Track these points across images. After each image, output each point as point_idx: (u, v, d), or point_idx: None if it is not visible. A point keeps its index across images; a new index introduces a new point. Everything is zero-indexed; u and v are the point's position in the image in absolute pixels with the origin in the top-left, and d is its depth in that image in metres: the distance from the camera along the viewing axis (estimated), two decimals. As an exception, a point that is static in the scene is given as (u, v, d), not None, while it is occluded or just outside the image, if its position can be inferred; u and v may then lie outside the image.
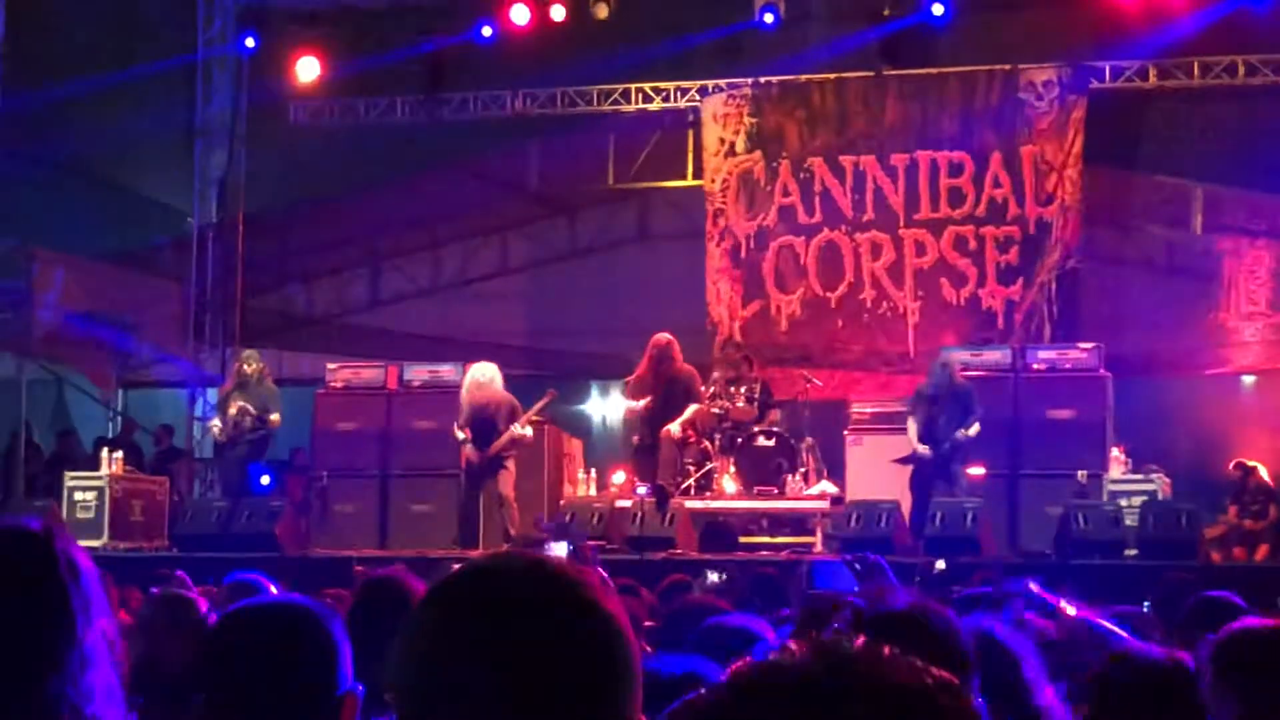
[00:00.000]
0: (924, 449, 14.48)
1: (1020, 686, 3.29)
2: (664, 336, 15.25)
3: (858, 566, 7.34)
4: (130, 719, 2.38)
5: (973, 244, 18.38)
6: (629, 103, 19.69)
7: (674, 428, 14.95)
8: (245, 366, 16.09)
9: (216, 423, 16.30)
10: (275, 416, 15.89)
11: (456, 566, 1.79)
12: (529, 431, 14.85)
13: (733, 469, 15.37)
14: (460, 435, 14.80)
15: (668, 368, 15.09)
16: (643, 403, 15.11)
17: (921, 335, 18.34)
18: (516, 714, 1.68)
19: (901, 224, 18.60)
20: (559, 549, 6.39)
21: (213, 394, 17.52)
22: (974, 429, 14.41)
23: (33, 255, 18.07)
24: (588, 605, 1.72)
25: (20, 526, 2.35)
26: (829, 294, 18.75)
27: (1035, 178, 18.23)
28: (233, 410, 15.85)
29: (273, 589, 6.27)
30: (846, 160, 18.82)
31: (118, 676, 2.30)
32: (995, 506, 14.57)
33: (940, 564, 12.16)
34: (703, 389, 15.41)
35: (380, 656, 1.78)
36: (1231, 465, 16.23)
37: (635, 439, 15.51)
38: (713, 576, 11.10)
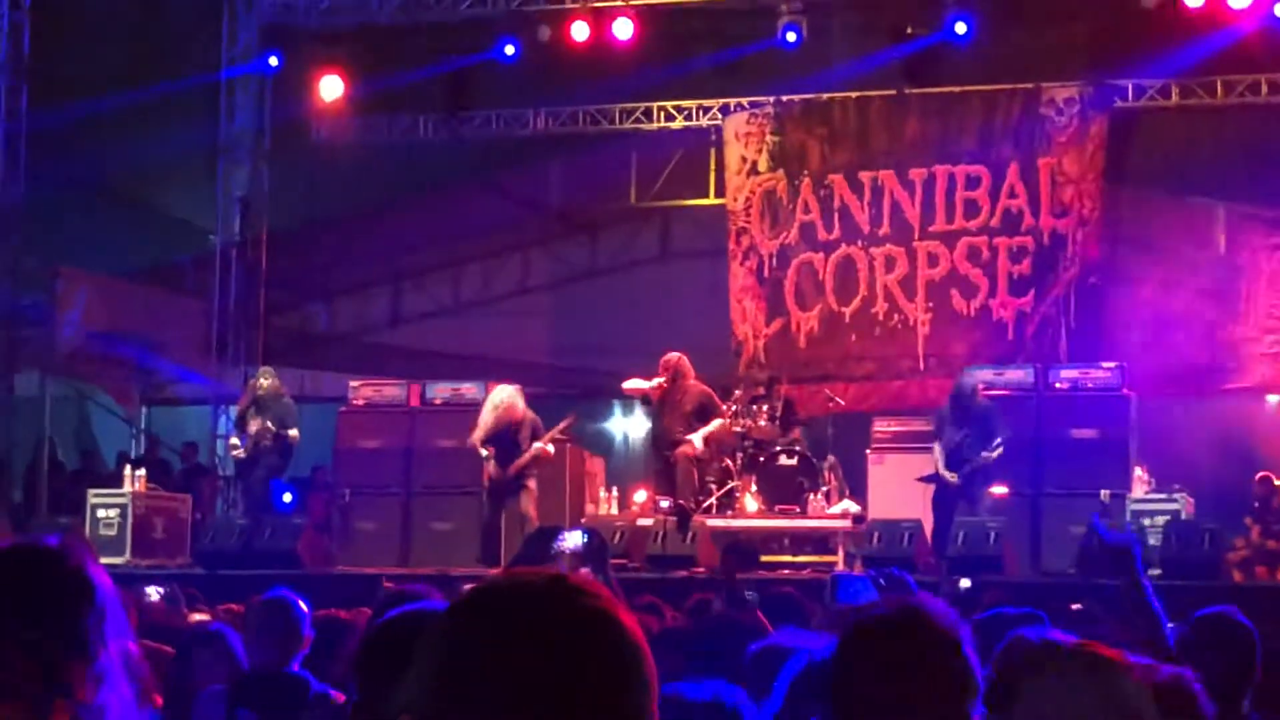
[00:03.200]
0: (952, 476, 14.39)
1: None
2: (674, 355, 15.16)
3: (882, 581, 7.36)
4: None
5: (985, 254, 18.34)
6: (651, 121, 19.71)
7: (696, 440, 14.88)
8: (260, 383, 16.10)
9: (236, 441, 16.31)
10: (294, 432, 15.89)
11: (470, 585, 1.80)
12: (550, 448, 14.85)
13: (754, 488, 15.34)
14: (483, 452, 14.78)
15: (680, 384, 15.03)
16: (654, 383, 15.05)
17: (931, 346, 18.30)
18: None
19: (916, 236, 18.57)
20: (574, 538, 6.40)
21: (235, 412, 17.55)
22: (997, 451, 14.34)
23: (56, 273, 18.15)
24: (604, 619, 1.73)
25: (36, 545, 2.34)
26: (843, 309, 18.73)
27: (1051, 189, 18.18)
28: (252, 428, 15.86)
29: (301, 604, 6.28)
30: (865, 176, 18.81)
31: (135, 694, 2.29)
32: (1018, 526, 14.52)
33: (965, 582, 12.13)
34: (724, 406, 15.38)
35: (399, 674, 1.78)
36: (1258, 478, 16.11)
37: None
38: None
